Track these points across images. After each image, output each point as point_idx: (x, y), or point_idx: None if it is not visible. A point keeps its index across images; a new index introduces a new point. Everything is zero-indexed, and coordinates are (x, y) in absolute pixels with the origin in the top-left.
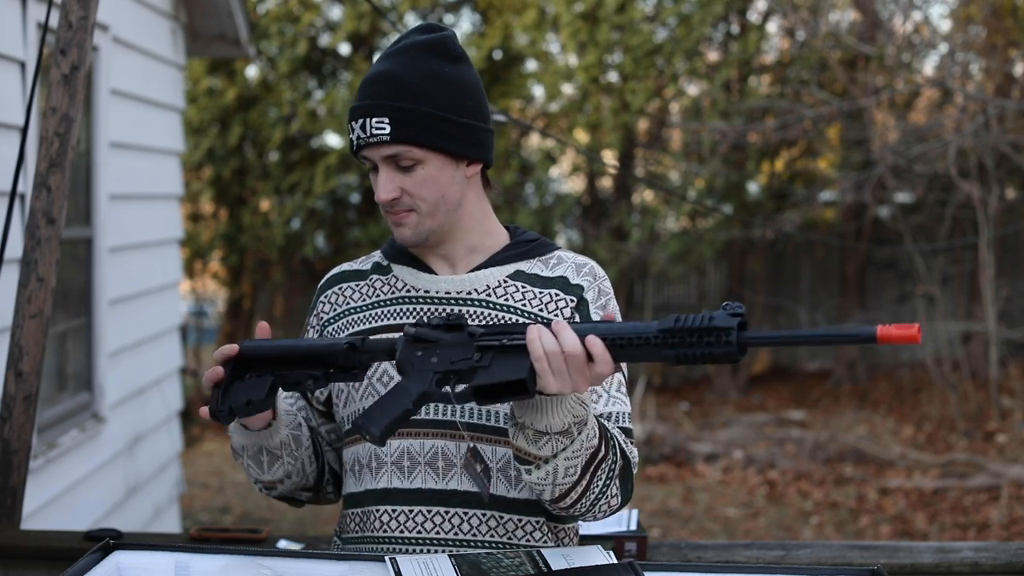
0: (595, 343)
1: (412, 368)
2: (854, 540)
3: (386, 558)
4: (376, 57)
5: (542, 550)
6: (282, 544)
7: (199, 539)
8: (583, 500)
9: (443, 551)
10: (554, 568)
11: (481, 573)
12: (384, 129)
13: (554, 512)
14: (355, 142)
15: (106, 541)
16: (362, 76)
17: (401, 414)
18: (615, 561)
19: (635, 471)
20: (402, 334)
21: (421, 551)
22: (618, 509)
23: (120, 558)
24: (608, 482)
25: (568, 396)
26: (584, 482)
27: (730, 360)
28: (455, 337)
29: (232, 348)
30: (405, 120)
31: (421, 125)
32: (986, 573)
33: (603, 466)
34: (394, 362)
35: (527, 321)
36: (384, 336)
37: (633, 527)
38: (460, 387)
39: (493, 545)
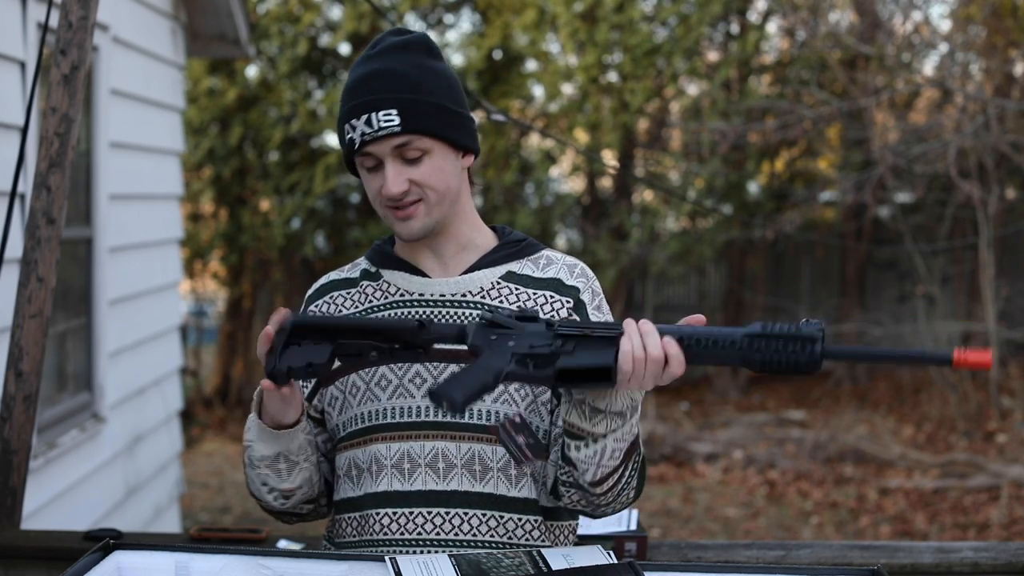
0: (671, 345)
1: (489, 349)
2: (854, 540)
3: (386, 558)
4: (353, 66)
5: (542, 550)
6: (282, 544)
7: (199, 539)
8: (615, 488)
9: (443, 552)
10: (554, 568)
11: (481, 573)
12: (393, 120)
13: (584, 495)
14: (358, 140)
15: (106, 541)
16: None
17: (480, 387)
18: (615, 561)
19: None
20: (477, 318)
21: (422, 553)
22: (628, 505)
23: (120, 558)
24: (633, 472)
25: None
26: (621, 468)
27: (810, 371)
28: (531, 326)
29: (286, 312)
30: (413, 110)
31: (428, 114)
32: (986, 573)
33: (635, 456)
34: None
35: (610, 321)
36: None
37: (633, 527)
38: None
39: (493, 545)
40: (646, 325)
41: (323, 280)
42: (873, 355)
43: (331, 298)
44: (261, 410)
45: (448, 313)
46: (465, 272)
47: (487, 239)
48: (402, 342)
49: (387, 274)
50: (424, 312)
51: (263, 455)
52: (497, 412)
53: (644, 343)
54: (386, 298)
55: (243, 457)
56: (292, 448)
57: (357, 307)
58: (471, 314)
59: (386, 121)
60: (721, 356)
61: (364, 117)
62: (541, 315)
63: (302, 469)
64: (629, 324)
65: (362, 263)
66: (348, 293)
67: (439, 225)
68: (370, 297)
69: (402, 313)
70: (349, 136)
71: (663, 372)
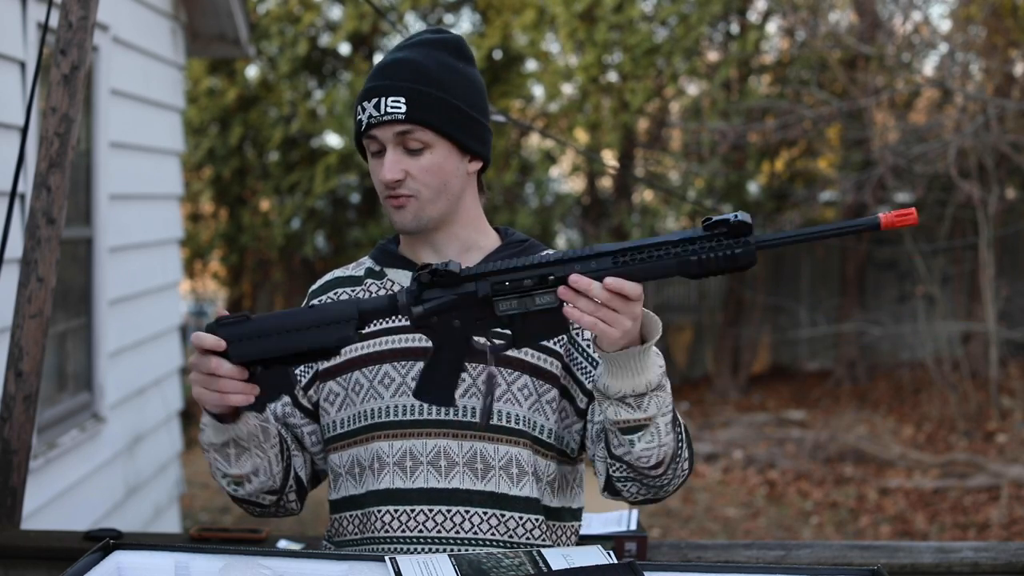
0: (613, 282)
1: (437, 337)
2: (854, 540)
3: (386, 558)
4: (386, 52)
5: (542, 550)
6: (282, 544)
7: (199, 539)
8: (673, 464)
9: (444, 550)
10: (554, 568)
11: (481, 573)
12: (400, 108)
13: (644, 482)
14: (365, 121)
15: (106, 541)
16: (363, 76)
17: (454, 380)
18: (615, 561)
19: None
20: (407, 316)
21: (423, 551)
22: (686, 479)
23: (120, 558)
24: (681, 441)
25: (651, 352)
26: (674, 441)
27: (747, 265)
28: (461, 291)
29: (215, 342)
30: (421, 102)
31: (436, 109)
32: (986, 573)
33: (679, 424)
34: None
35: (534, 270)
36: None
37: (633, 527)
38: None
39: (494, 544)
40: (579, 281)
41: (328, 277)
42: (803, 235)
43: (335, 294)
44: None
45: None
46: None
47: (491, 241)
48: (336, 326)
49: (391, 272)
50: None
51: (211, 441)
52: (499, 411)
53: (590, 295)
54: None
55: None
56: (242, 434)
57: None
58: None
59: (392, 107)
60: (660, 268)
61: (375, 100)
62: (460, 268)
63: (252, 455)
64: (563, 292)
65: (366, 262)
66: (352, 291)
67: (434, 223)
68: (374, 296)
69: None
70: (359, 117)
71: (628, 305)
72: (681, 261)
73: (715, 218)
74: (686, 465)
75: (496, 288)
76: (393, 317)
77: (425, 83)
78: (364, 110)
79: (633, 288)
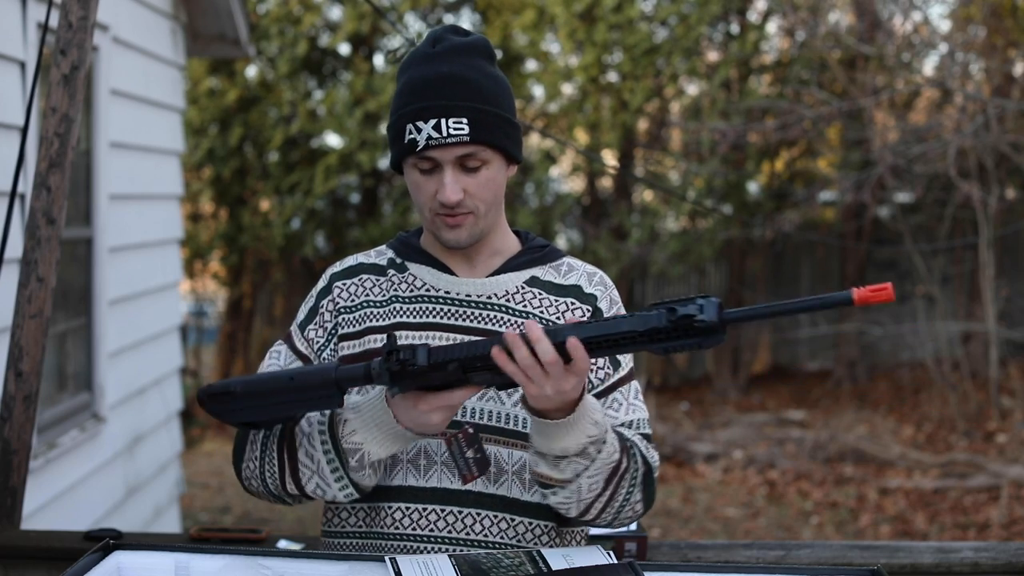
0: (575, 346)
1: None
2: (854, 540)
3: (386, 558)
4: (412, 56)
5: (542, 550)
6: (282, 544)
7: (199, 539)
8: (607, 510)
9: (453, 551)
10: (554, 568)
11: (481, 573)
12: (463, 129)
13: (577, 521)
14: (423, 143)
15: (106, 541)
16: (362, 76)
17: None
18: (615, 561)
19: (656, 474)
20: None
21: (432, 550)
22: (642, 514)
23: (120, 558)
24: (631, 490)
25: (580, 419)
26: (607, 494)
27: (713, 343)
28: (431, 378)
29: None
30: (482, 121)
31: (495, 127)
32: (986, 573)
33: (626, 477)
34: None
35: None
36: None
37: (633, 527)
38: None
39: (503, 547)
40: (532, 331)
41: (351, 261)
42: (772, 311)
43: (360, 280)
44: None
45: (474, 314)
46: (492, 275)
47: (512, 243)
48: (317, 396)
49: (413, 267)
50: (448, 310)
51: (379, 458)
52: (512, 415)
53: (536, 350)
54: (412, 291)
55: (333, 459)
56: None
57: (385, 295)
58: (496, 316)
59: (456, 129)
60: (619, 338)
61: (433, 122)
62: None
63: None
64: (506, 338)
65: (387, 251)
66: (377, 280)
67: (485, 232)
68: (396, 287)
69: (426, 308)
70: (412, 137)
71: (565, 371)
72: (645, 346)
73: (680, 311)
74: (639, 508)
75: (467, 367)
76: (416, 312)
77: (483, 101)
78: (419, 130)
79: (581, 359)
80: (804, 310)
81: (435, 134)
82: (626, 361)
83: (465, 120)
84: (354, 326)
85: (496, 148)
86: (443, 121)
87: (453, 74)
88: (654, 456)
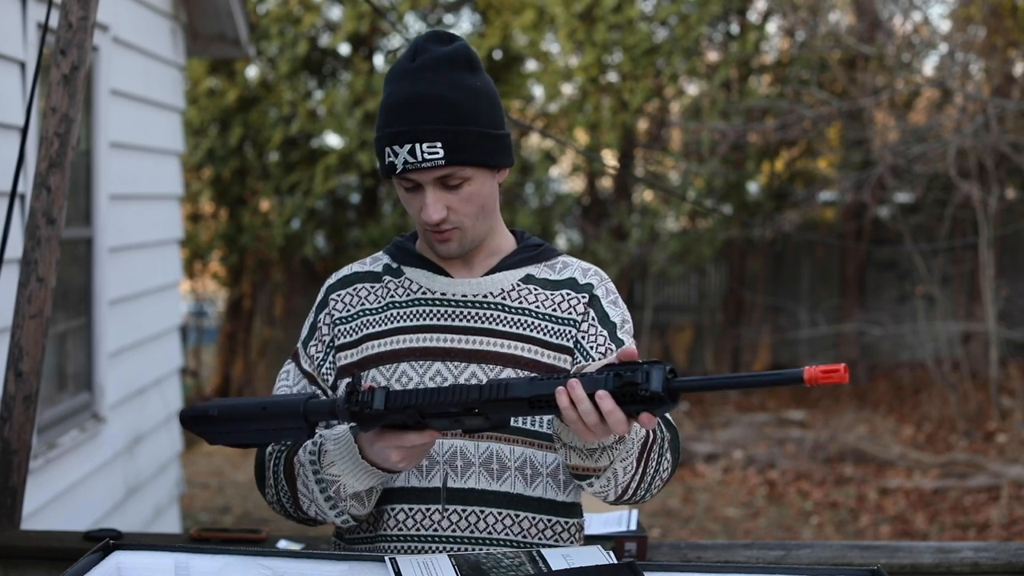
0: (604, 399)
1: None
2: (854, 540)
3: (386, 558)
4: (394, 68)
5: (542, 550)
6: (282, 544)
7: (199, 539)
8: (641, 486)
9: (458, 550)
10: (554, 568)
11: (481, 573)
12: (437, 153)
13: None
14: (400, 166)
15: (106, 541)
16: (362, 76)
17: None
18: (615, 561)
19: (680, 434)
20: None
21: (436, 550)
22: (670, 477)
23: (120, 558)
24: (660, 460)
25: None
26: (641, 470)
27: (663, 408)
28: (392, 419)
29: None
30: (457, 143)
31: (471, 146)
32: (986, 573)
33: (655, 448)
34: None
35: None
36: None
37: (633, 527)
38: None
39: (507, 544)
40: (573, 385)
41: (346, 271)
42: (722, 383)
43: (355, 290)
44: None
45: (470, 313)
46: (487, 274)
47: (508, 243)
48: (287, 427)
49: (409, 271)
50: (445, 311)
51: (353, 490)
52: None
53: (578, 407)
54: (408, 295)
55: (312, 486)
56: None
57: (380, 301)
58: (492, 315)
59: (430, 154)
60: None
61: (407, 147)
62: (387, 398)
63: (373, 495)
64: (560, 394)
65: (383, 258)
66: (372, 287)
67: (479, 239)
68: (392, 293)
69: (423, 311)
70: (390, 160)
71: (602, 427)
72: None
73: (625, 377)
74: (667, 473)
75: (425, 412)
76: (413, 316)
77: (458, 121)
78: (396, 154)
79: (618, 422)
80: (756, 385)
81: (410, 159)
82: (628, 339)
83: (439, 144)
84: (351, 335)
85: (475, 166)
86: (417, 146)
87: (428, 95)
88: (670, 422)
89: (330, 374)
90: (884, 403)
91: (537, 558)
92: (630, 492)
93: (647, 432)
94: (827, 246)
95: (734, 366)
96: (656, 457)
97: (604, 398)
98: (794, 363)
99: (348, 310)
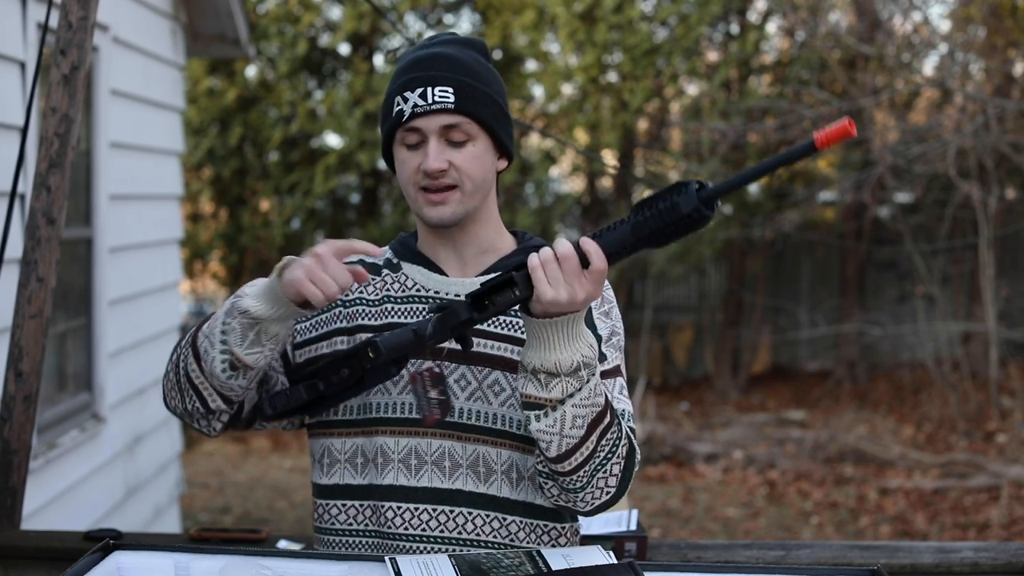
0: (587, 242)
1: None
2: (854, 540)
3: (386, 558)
4: (408, 51)
5: (542, 550)
6: (282, 544)
7: (199, 539)
8: (586, 466)
9: (446, 550)
10: (554, 568)
11: (481, 573)
12: (449, 98)
13: (556, 480)
14: (408, 112)
15: (106, 541)
16: (362, 76)
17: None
18: (615, 561)
19: (637, 457)
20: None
21: (424, 549)
22: (610, 502)
23: (120, 558)
24: (611, 455)
25: (578, 335)
26: (590, 444)
27: (700, 221)
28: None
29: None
30: (469, 94)
31: (482, 102)
32: (986, 573)
33: (609, 433)
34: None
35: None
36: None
37: (633, 527)
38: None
39: (495, 546)
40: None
41: (353, 257)
42: (747, 176)
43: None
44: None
45: None
46: (482, 273)
47: (507, 243)
48: (359, 367)
49: (406, 267)
50: None
51: (249, 308)
52: (469, 410)
53: (553, 248)
54: (403, 291)
55: (217, 317)
56: (281, 329)
57: (377, 293)
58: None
59: (441, 96)
60: (621, 239)
61: (419, 90)
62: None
63: (263, 354)
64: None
65: (386, 252)
66: (372, 279)
67: (467, 217)
68: (388, 287)
69: (415, 309)
70: (399, 108)
71: (585, 274)
72: (634, 224)
73: (661, 203)
74: (612, 482)
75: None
76: (404, 313)
77: (470, 76)
78: (406, 100)
79: (595, 251)
80: (774, 167)
81: (420, 102)
82: (612, 356)
83: (451, 89)
84: (346, 321)
85: (482, 124)
86: (429, 89)
87: (439, 53)
88: (636, 445)
89: (301, 335)
90: (884, 403)
91: (537, 558)
92: (573, 463)
93: (604, 405)
94: (827, 246)
95: (734, 366)
96: (610, 446)
97: (587, 241)
98: (794, 363)
99: (347, 294)
